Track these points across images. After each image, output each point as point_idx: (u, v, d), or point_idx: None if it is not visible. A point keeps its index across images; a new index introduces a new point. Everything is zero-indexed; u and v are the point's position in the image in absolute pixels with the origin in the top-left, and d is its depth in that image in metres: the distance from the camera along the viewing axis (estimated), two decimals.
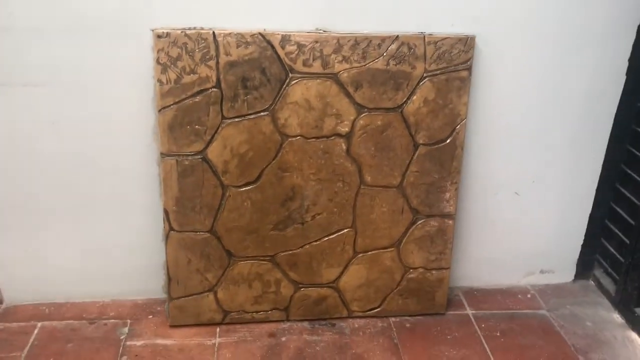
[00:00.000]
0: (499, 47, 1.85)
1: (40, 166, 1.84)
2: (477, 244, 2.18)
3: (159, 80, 1.69)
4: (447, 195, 1.94)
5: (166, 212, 1.83)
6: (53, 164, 1.84)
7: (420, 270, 2.02)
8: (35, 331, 1.90)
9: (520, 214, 2.15)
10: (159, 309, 2.03)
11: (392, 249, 1.97)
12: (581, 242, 2.25)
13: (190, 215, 1.83)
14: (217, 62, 1.70)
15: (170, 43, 1.66)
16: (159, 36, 1.66)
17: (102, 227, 1.94)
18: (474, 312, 2.12)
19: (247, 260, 1.91)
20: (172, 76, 1.69)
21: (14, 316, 1.96)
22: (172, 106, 1.72)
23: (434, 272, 2.03)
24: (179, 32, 1.66)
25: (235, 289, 1.94)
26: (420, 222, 1.96)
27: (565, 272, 2.30)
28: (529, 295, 2.23)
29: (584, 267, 2.30)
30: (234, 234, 1.87)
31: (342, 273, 1.98)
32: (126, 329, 1.93)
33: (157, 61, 1.68)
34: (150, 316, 2.00)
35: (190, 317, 1.96)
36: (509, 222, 2.16)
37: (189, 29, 1.68)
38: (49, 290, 2.02)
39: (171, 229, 1.84)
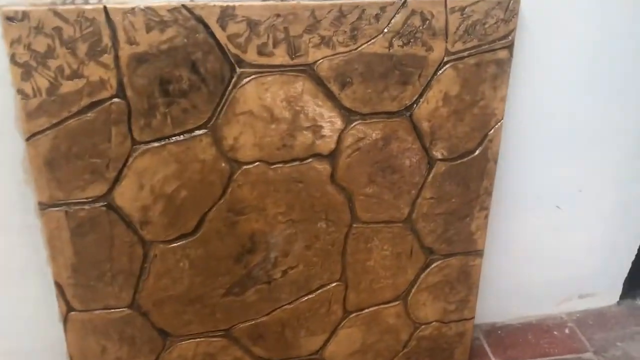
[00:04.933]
0: (552, 15, 1.24)
1: None
2: (501, 271, 1.63)
3: (21, 92, 1.02)
4: (474, 225, 1.36)
5: (59, 286, 1.19)
6: None
7: (435, 324, 1.46)
8: None
9: (561, 231, 1.61)
10: None
11: (397, 302, 1.40)
12: (632, 258, 1.73)
13: (97, 287, 1.20)
14: (117, 57, 1.03)
15: (32, 29, 0.98)
16: (9, 18, 0.97)
17: None
18: None
19: (190, 339, 1.31)
20: (43, 83, 1.02)
21: None
22: (47, 132, 1.05)
23: (452, 325, 1.48)
24: (45, 9, 0.98)
25: None
26: (435, 264, 1.38)
27: (608, 294, 1.79)
28: (567, 330, 1.71)
29: (630, 286, 1.79)
30: (167, 307, 1.26)
31: (328, 340, 1.40)
32: None
33: (14, 60, 1.00)
34: None
35: None
36: (546, 242, 1.62)
37: (62, 3, 1.00)
38: None
39: (70, 309, 1.22)
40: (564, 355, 1.63)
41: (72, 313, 1.22)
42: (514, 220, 1.52)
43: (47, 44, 0.99)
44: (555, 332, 1.71)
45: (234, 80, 1.09)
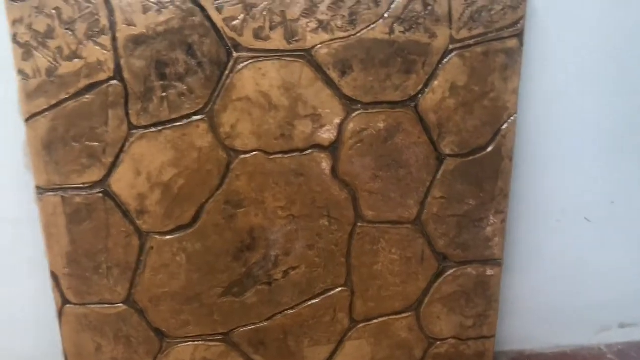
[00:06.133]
0: (564, 2, 1.19)
1: None
2: (529, 291, 1.51)
3: (22, 72, 1.05)
4: (490, 230, 1.28)
5: (55, 276, 1.18)
6: None
7: (452, 341, 1.35)
8: None
9: (592, 248, 1.48)
10: None
11: (409, 313, 1.31)
12: None
13: (93, 279, 1.18)
14: (114, 38, 1.05)
15: (34, 9, 1.02)
16: None
17: None
18: None
19: (187, 341, 1.26)
20: (42, 64, 1.05)
21: None
22: (46, 113, 1.07)
23: (471, 343, 1.37)
24: None
25: None
26: (450, 272, 1.29)
27: None
28: None
29: None
30: (164, 305, 1.22)
31: (334, 352, 1.32)
32: None
33: (16, 40, 1.03)
34: None
35: None
36: (575, 260, 1.49)
37: None
38: None
39: (65, 301, 1.20)
40: None
41: (68, 306, 1.20)
42: (538, 231, 1.42)
43: (47, 24, 1.02)
44: None
45: (230, 64, 1.08)
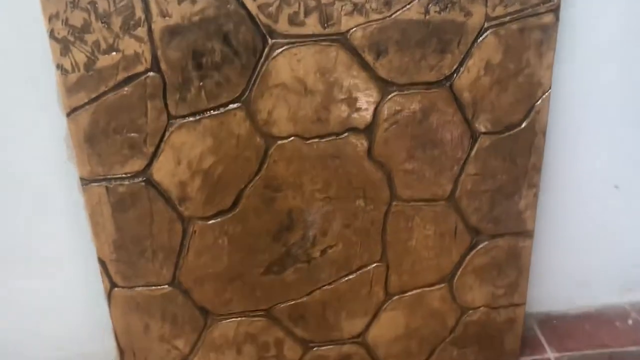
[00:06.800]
0: None
1: None
2: (555, 255, 1.54)
3: (60, 67, 1.05)
4: (522, 204, 1.29)
5: (102, 262, 1.22)
6: None
7: (483, 310, 1.40)
8: None
9: (619, 213, 1.51)
10: None
11: (442, 285, 1.35)
12: None
13: (139, 263, 1.22)
14: (150, 30, 1.04)
15: (69, 4, 1.01)
16: None
17: (20, 283, 1.34)
18: (557, 355, 1.51)
19: (231, 318, 1.31)
20: (80, 58, 1.05)
21: None
22: (86, 106, 1.08)
23: (501, 310, 1.41)
24: None
25: (219, 357, 1.34)
26: (482, 245, 1.32)
27: None
28: (630, 322, 1.60)
29: None
30: (207, 285, 1.26)
31: (370, 323, 1.37)
32: None
33: (52, 36, 1.03)
34: None
35: None
36: (603, 224, 1.52)
37: None
38: None
39: (113, 285, 1.24)
40: (626, 347, 1.52)
41: (116, 289, 1.24)
42: (568, 199, 1.44)
43: (83, 18, 1.02)
44: (617, 323, 1.60)
45: (266, 51, 1.08)
